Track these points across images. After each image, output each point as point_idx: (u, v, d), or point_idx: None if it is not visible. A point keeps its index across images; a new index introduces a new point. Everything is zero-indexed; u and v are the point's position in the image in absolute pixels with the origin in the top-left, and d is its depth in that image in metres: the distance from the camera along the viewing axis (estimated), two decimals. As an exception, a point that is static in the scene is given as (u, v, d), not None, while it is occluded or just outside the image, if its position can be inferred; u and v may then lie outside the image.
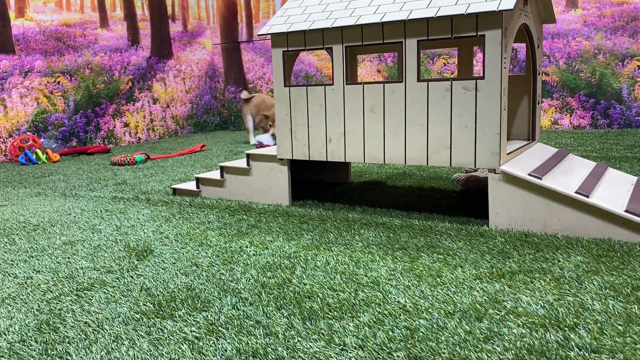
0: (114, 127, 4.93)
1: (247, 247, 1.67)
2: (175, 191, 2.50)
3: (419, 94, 1.78)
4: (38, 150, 3.92)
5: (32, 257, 1.67)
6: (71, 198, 2.55)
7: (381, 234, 1.72)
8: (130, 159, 3.56)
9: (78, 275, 1.49)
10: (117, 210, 2.22)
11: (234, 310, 1.21)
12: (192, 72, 5.73)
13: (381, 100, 1.86)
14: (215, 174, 2.41)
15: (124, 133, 5.02)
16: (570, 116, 4.43)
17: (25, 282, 1.46)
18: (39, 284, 1.43)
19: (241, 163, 2.31)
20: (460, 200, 2.17)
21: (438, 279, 1.34)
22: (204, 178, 2.39)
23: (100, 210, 2.24)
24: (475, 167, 1.74)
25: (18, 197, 2.63)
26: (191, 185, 2.48)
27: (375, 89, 1.87)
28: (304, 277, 1.39)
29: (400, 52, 1.93)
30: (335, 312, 1.17)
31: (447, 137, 1.76)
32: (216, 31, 5.96)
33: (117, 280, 1.44)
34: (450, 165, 1.78)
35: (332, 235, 1.74)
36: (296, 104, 2.06)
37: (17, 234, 1.93)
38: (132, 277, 1.46)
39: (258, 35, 2.10)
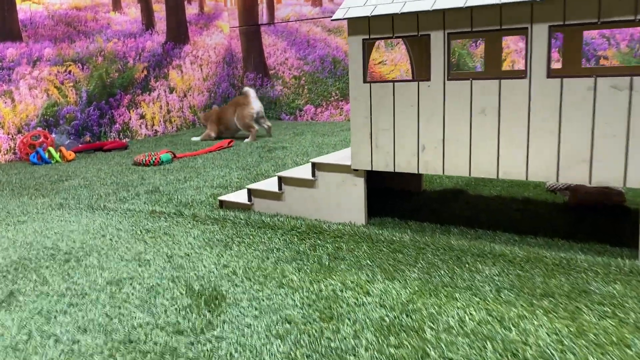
0: (130, 119, 4.57)
1: (341, 290, 1.32)
2: (222, 204, 2.15)
3: (549, 93, 1.43)
4: (51, 148, 3.56)
5: (72, 305, 1.32)
6: (100, 212, 2.20)
7: (507, 272, 1.37)
8: (155, 159, 3.20)
9: (138, 339, 1.14)
10: (161, 231, 1.88)
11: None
12: (209, 58, 5.34)
13: (495, 100, 1.50)
14: (270, 184, 2.06)
15: (140, 125, 4.65)
16: None
17: (72, 349, 1.12)
18: (91, 354, 1.09)
19: (303, 172, 1.95)
20: (573, 215, 1.83)
21: (627, 350, 1.00)
22: (257, 190, 2.04)
23: (141, 231, 1.89)
24: (624, 185, 1.39)
25: (38, 210, 2.28)
26: (241, 197, 2.13)
27: (487, 85, 1.51)
28: (442, 345, 1.05)
29: (526, 39, 1.55)
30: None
31: (587, 148, 1.41)
32: (234, 13, 5.55)
33: (193, 348, 1.10)
34: (590, 183, 1.43)
35: (443, 272, 1.39)
36: (379, 103, 1.70)
37: (46, 267, 1.59)
38: (210, 341, 1.12)
39: (332, 19, 1.73)
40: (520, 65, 4.15)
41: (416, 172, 1.68)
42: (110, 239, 1.82)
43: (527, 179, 1.50)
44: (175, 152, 3.39)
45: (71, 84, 4.10)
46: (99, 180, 2.87)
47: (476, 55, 4.32)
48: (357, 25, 1.69)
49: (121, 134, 4.49)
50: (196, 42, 5.20)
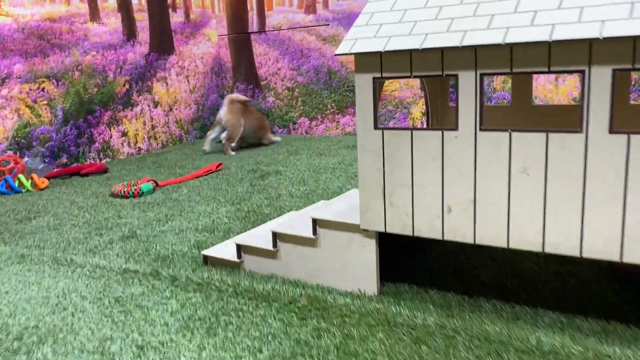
0: (110, 137, 4.25)
1: (356, 412, 1.03)
2: (206, 259, 1.85)
3: (612, 150, 1.14)
4: (21, 176, 3.24)
5: None
6: (66, 268, 1.89)
7: (565, 382, 1.09)
8: (135, 190, 2.89)
9: None
10: (133, 302, 1.57)
11: None
12: (196, 68, 5.03)
13: (542, 157, 1.22)
14: (262, 238, 1.76)
15: (122, 144, 4.33)
16: None
17: None
18: None
19: (301, 229, 1.66)
20: (625, 284, 1.54)
21: None
22: (248, 246, 1.74)
23: (109, 301, 1.59)
24: None
25: (-6, 265, 1.97)
26: (228, 251, 1.83)
27: (531, 139, 1.22)
28: None
29: (582, 84, 1.26)
30: None
31: (661, 221, 1.12)
32: (222, 20, 5.24)
33: None
34: (664, 265, 1.14)
35: (484, 380, 1.11)
36: (394, 154, 1.41)
37: (-13, 365, 1.29)
38: None
39: (336, 54, 1.43)
40: (529, 78, 3.87)
41: (440, 238, 1.39)
42: (73, 314, 1.52)
43: (581, 255, 1.21)
44: (157, 180, 3.08)
45: (45, 102, 3.77)
46: (70, 218, 2.56)
47: (497, 81, 4.01)
48: (366, 61, 1.39)
49: (101, 153, 4.17)
50: (182, 52, 4.88)
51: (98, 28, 4.18)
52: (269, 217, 2.33)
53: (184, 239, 2.14)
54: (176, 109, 4.82)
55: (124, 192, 2.89)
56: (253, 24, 5.07)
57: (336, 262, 1.58)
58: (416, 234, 1.42)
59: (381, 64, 1.38)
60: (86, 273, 1.83)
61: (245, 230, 2.14)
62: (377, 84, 1.40)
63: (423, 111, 4.31)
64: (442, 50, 1.29)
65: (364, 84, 1.41)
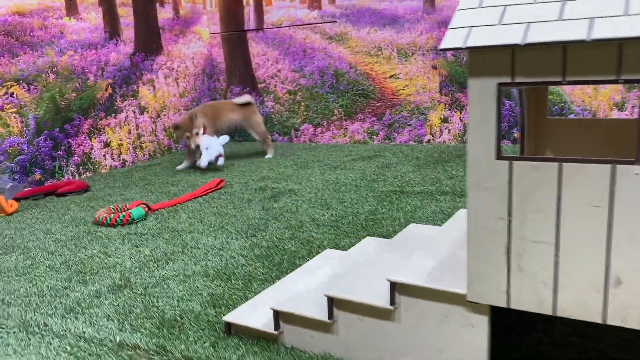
0: (91, 149, 3.72)
1: None
2: (229, 328, 1.37)
3: None
4: (-15, 199, 2.71)
5: None
6: (37, 341, 1.40)
7: None
8: (124, 217, 2.40)
9: None
10: (135, 408, 1.10)
11: None
12: (186, 70, 4.53)
13: None
14: (306, 301, 1.29)
15: (104, 156, 3.81)
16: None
17: None
18: None
19: (370, 294, 1.19)
20: None
21: None
22: (289, 314, 1.27)
23: (99, 407, 1.11)
24: None
25: (-60, 335, 1.46)
26: (260, 319, 1.35)
27: None
28: None
29: None
30: None
31: None
32: (215, 17, 4.74)
33: None
34: None
35: None
36: (528, 197, 0.95)
37: None
38: None
39: (440, 49, 0.97)
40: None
41: (600, 321, 0.94)
42: None
43: None
44: (148, 204, 2.58)
45: (14, 110, 3.24)
46: (45, 256, 2.05)
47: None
48: (488, 59, 0.94)
49: (81, 167, 3.64)
50: (171, 51, 4.38)
51: (76, 24, 3.66)
52: (296, 256, 1.86)
53: (193, 290, 1.66)
54: (165, 115, 4.31)
55: (110, 219, 2.39)
56: (249, 20, 4.59)
57: (424, 344, 1.12)
58: (560, 313, 0.97)
59: (513, 63, 0.92)
60: (66, 349, 1.35)
61: (271, 278, 1.67)
62: (502, 93, 0.95)
63: (442, 117, 3.89)
64: (620, 44, 0.84)
65: (483, 93, 0.95)
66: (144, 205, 2.53)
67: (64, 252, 2.09)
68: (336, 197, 2.62)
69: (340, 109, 4.28)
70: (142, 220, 2.46)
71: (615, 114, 3.35)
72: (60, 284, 1.78)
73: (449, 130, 3.87)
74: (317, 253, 1.88)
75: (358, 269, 1.33)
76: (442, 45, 0.95)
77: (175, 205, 2.70)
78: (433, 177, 2.86)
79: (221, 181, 3.03)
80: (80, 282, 1.78)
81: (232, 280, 1.71)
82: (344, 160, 3.54)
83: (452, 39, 0.94)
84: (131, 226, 2.38)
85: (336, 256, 1.66)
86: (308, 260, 1.81)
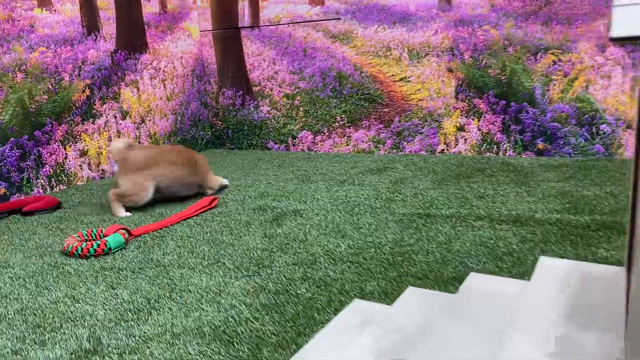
0: (65, 158, 3.30)
1: None
2: None
3: None
4: None
5: None
6: None
7: None
8: (99, 246, 1.99)
9: None
10: None
11: None
12: (174, 70, 4.11)
13: None
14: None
15: (81, 166, 3.39)
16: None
17: None
18: None
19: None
20: None
21: None
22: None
23: None
24: None
25: None
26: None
27: None
28: None
29: None
30: None
31: None
32: (206, 13, 4.34)
33: None
34: None
35: None
36: None
37: None
38: None
39: (612, 39, 0.59)
40: (598, 87, 3.13)
41: None
42: None
43: None
44: (129, 229, 2.17)
45: (-26, 114, 2.81)
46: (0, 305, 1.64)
47: (535, 73, 3.28)
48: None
49: (53, 179, 3.22)
50: (157, 50, 3.96)
51: (49, 17, 3.24)
52: (314, 307, 1.48)
53: None
54: (150, 120, 3.90)
55: (82, 248, 1.99)
56: (244, 17, 4.19)
57: None
58: None
59: None
60: None
61: (287, 342, 1.29)
62: None
63: (458, 125, 3.53)
64: None
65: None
66: (123, 231, 2.12)
67: (22, 295, 1.68)
68: (350, 220, 2.23)
69: (343, 115, 3.90)
70: (120, 249, 2.05)
71: (654, 125, 3.01)
72: (9, 345, 1.37)
73: (466, 139, 3.51)
74: (339, 302, 1.49)
75: (416, 349, 0.95)
76: (616, 34, 0.57)
77: (161, 228, 2.29)
78: (459, 195, 2.50)
79: (214, 199, 2.63)
80: (36, 344, 1.37)
81: (235, 343, 1.32)
82: (350, 173, 3.16)
83: (630, 26, 0.56)
84: (107, 258, 1.97)
85: (371, 314, 1.28)
86: (329, 313, 1.43)
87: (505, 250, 1.80)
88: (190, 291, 1.64)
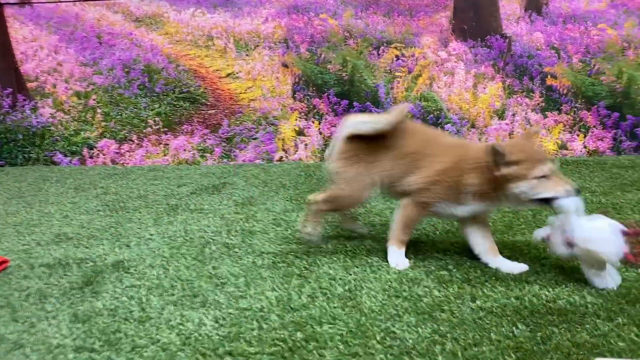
0: None
1: None
2: None
3: None
4: None
5: None
6: None
7: None
8: None
9: None
10: None
11: None
12: None
13: None
14: None
15: None
16: (585, 137, 2.96)
17: None
18: None
19: None
20: None
21: None
22: None
23: None
24: None
25: None
26: None
27: None
28: None
29: None
30: None
31: None
32: (-55, -20, 3.13)
33: None
34: None
35: None
36: None
37: None
38: None
39: None
40: (442, 84, 2.96)
41: None
42: None
43: None
44: None
45: None
46: None
47: (379, 69, 2.98)
48: None
49: None
50: None
51: None
52: None
53: None
54: None
55: None
56: (7, -12, 3.12)
57: None
58: None
59: None
60: None
61: None
62: None
63: (297, 128, 3.07)
64: None
65: None
66: None
67: None
68: (204, 273, 1.59)
69: (156, 118, 3.14)
70: None
71: (496, 123, 2.96)
72: None
73: (306, 145, 3.07)
74: None
75: None
76: None
77: None
78: (333, 216, 2.02)
79: (6, 261, 1.71)
80: None
81: None
82: (179, 193, 2.47)
83: None
84: None
85: None
86: None
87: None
88: None
